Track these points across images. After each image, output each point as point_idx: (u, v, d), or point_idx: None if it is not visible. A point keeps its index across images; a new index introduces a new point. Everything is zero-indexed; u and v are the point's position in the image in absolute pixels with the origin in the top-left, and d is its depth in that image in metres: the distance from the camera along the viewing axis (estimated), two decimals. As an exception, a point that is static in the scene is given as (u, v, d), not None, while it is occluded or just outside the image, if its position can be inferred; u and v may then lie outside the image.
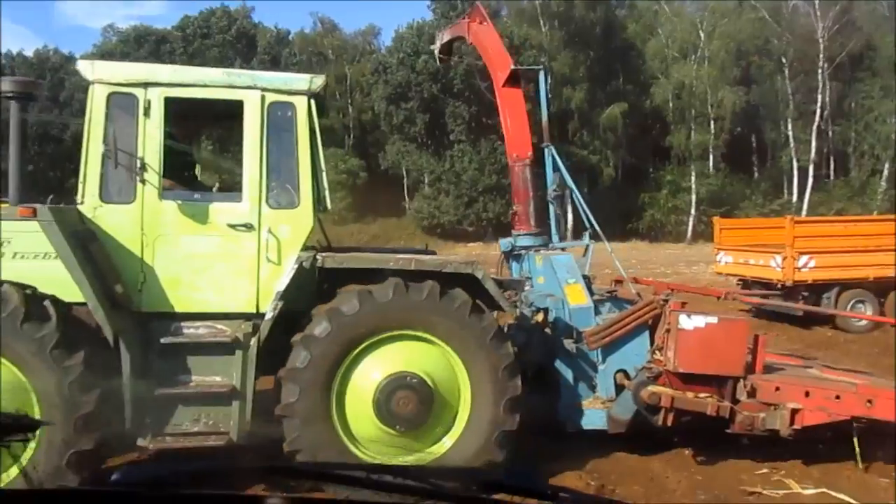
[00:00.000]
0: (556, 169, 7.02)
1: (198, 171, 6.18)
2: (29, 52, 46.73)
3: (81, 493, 1.29)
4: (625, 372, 5.95)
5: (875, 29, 41.26)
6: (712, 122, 42.29)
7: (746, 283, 13.87)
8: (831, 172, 44.60)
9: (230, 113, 5.27)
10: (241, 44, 46.26)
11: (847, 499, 5.10)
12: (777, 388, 5.56)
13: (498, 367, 5.00)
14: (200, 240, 4.99)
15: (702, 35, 42.31)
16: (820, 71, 41.49)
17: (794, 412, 5.42)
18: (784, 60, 42.67)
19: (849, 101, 43.25)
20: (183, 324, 4.93)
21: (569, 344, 5.92)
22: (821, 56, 41.14)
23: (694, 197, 41.45)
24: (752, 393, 5.57)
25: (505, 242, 7.13)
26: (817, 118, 42.01)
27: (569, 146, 42.42)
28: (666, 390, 5.52)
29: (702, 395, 5.55)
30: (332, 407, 4.83)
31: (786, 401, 5.49)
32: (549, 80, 7.45)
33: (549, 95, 7.82)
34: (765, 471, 5.69)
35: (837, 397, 5.46)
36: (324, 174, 5.31)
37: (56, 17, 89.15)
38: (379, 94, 42.09)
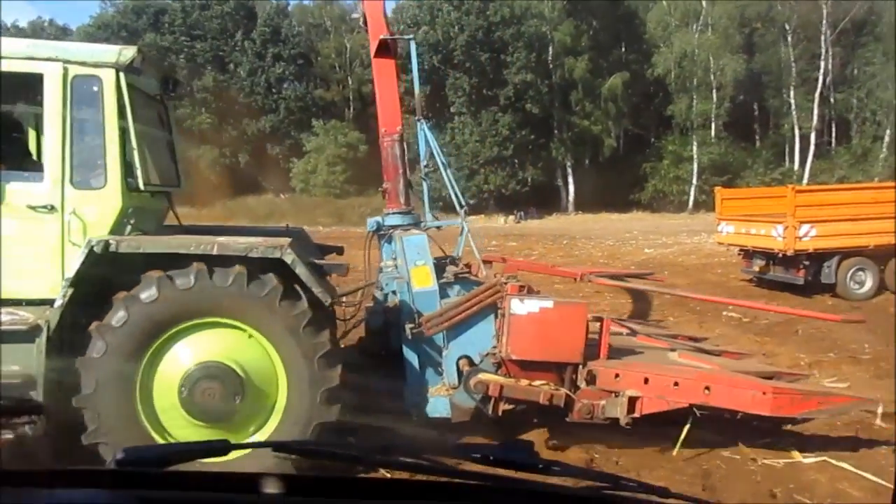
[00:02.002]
0: (428, 145, 6.70)
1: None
2: (24, 24, 46.49)
3: (83, 473, 1.32)
4: (469, 358, 5.72)
5: (879, -6, 40.71)
6: (714, 91, 41.95)
7: (748, 253, 13.92)
8: (833, 140, 44.39)
9: (36, 87, 4.88)
10: (239, 15, 45.78)
11: (848, 467, 5.20)
12: (617, 376, 5.35)
13: (313, 356, 4.69)
14: None
15: (703, 2, 41.75)
16: (823, 37, 41.09)
17: (633, 400, 5.20)
18: (787, 27, 42.17)
19: (851, 68, 42.88)
20: None
21: (410, 329, 5.64)
22: (824, 22, 40.69)
23: (696, 166, 41.30)
24: (592, 380, 5.37)
25: (371, 221, 6.72)
26: (820, 85, 41.71)
27: (571, 116, 42.24)
28: (495, 378, 5.31)
29: (538, 382, 5.31)
30: (135, 399, 4.53)
31: (625, 388, 5.27)
32: (419, 51, 6.95)
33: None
34: (767, 439, 5.79)
35: (676, 384, 5.22)
36: (136, 152, 4.89)
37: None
38: (378, 65, 41.68)
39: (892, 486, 4.78)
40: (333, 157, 42.45)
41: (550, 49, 41.53)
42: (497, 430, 5.49)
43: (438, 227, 6.73)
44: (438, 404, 5.66)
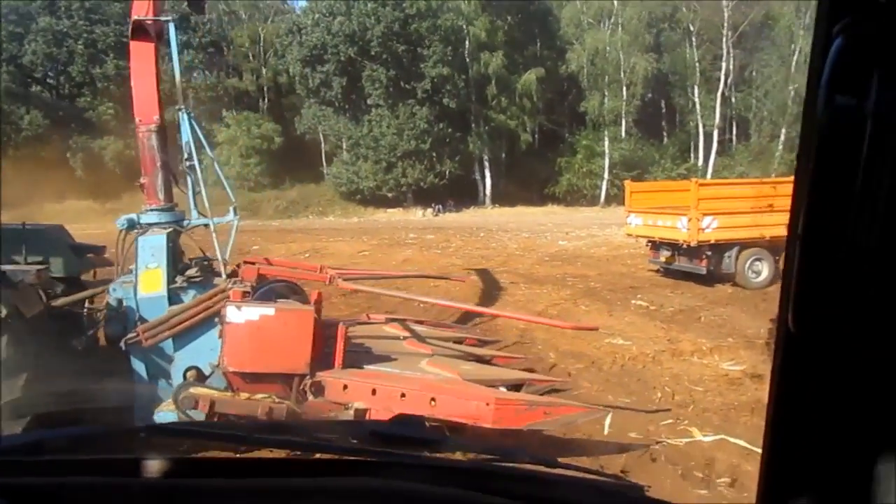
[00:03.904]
0: (193, 135, 6.36)
1: None
2: None
3: None
4: (198, 369, 5.42)
5: (775, -1, 43.15)
6: (625, 89, 43.39)
7: (655, 244, 14.45)
8: (734, 137, 46.75)
9: None
10: (144, 0, 43.73)
11: (743, 443, 5.49)
12: (345, 387, 5.11)
13: None
14: None
15: (615, 2, 43.08)
16: (724, 39, 43.13)
17: (362, 412, 4.99)
18: (691, 28, 44.09)
19: (750, 70, 45.23)
20: None
21: (125, 340, 5.34)
22: (725, 25, 42.73)
23: (607, 161, 42.61)
24: (321, 391, 5.11)
25: (122, 219, 6.08)
26: (721, 85, 43.81)
27: (487, 111, 42.72)
28: (205, 392, 4.95)
29: (260, 395, 4.99)
30: None
31: (354, 400, 5.08)
32: (178, 36, 6.42)
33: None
34: (670, 421, 6.05)
35: (403, 396, 5.05)
36: None
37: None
38: (294, 56, 40.90)
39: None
40: (247, 149, 41.33)
41: (467, 43, 41.82)
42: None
43: (207, 226, 6.31)
44: (168, 419, 5.22)
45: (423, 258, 18.42)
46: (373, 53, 38.89)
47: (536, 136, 45.50)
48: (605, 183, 42.34)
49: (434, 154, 40.58)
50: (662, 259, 14.23)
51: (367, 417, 4.91)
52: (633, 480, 1.93)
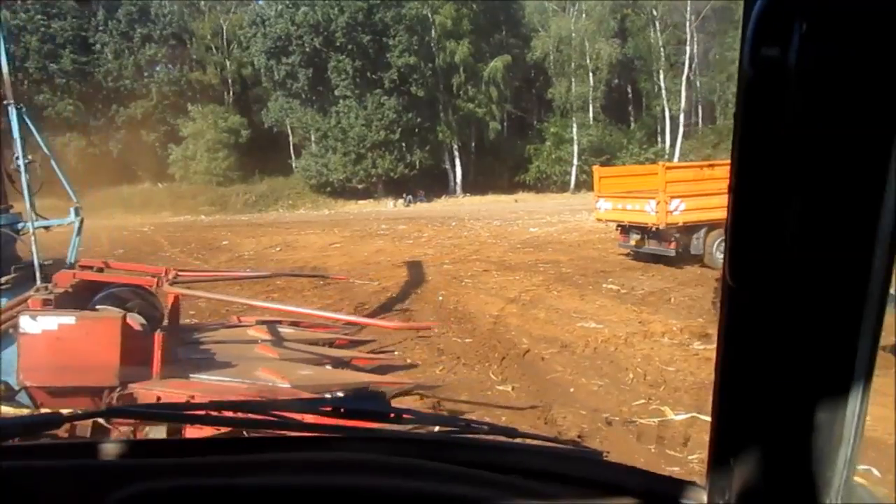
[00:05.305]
0: (27, 131, 6.07)
1: None
2: None
3: None
4: (6, 384, 4.98)
5: (736, -17, 43.63)
6: (591, 74, 43.63)
7: (625, 228, 14.59)
8: (700, 121, 47.31)
9: None
10: (102, -8, 42.77)
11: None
12: (158, 399, 4.75)
13: None
14: None
15: (579, -13, 43.31)
16: (687, 24, 43.55)
17: (173, 428, 4.61)
18: (655, 13, 44.45)
19: (713, 53, 45.75)
20: None
21: None
22: (688, 9, 43.14)
23: (576, 147, 42.88)
24: (133, 404, 4.62)
25: None
26: (686, 69, 44.26)
27: (455, 99, 42.65)
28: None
29: (66, 410, 4.62)
30: None
31: None
32: (6, 26, 6.17)
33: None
34: (642, 401, 6.14)
35: None
36: None
37: None
38: (258, 47, 40.35)
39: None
40: (214, 143, 40.81)
41: (432, 32, 41.65)
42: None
43: (47, 228, 5.98)
44: None
45: (395, 249, 18.38)
46: (338, 44, 38.52)
47: (505, 123, 45.60)
48: (574, 169, 42.62)
49: (403, 144, 40.44)
50: (632, 242, 14.37)
51: (182, 431, 4.41)
52: (590, 446, 1.97)
